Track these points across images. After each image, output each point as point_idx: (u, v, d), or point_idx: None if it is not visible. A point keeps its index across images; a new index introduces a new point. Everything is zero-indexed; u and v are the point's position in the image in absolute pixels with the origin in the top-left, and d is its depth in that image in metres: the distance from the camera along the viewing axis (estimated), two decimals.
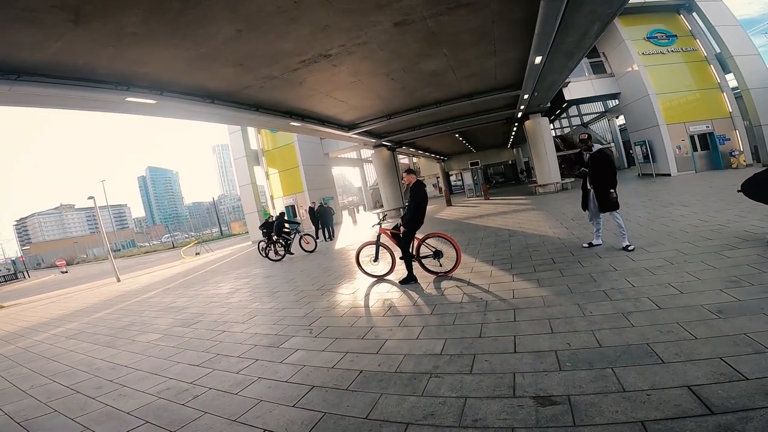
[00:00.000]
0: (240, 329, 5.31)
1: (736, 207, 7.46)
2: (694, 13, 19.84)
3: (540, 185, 20.59)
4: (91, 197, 18.95)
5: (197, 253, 23.98)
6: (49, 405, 3.63)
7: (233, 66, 8.89)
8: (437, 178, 44.97)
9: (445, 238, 6.32)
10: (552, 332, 3.47)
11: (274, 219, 13.77)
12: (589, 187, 6.20)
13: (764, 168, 5.24)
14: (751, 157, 18.73)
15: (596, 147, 6.09)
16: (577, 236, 7.58)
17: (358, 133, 18.17)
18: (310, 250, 13.38)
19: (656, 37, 19.94)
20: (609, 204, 5.94)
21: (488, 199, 23.27)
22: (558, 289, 4.65)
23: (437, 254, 6.30)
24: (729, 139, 18.69)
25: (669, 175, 18.93)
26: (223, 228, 62.96)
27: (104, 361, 4.83)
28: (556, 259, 6.13)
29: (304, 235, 13.69)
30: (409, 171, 6.39)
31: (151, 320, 6.90)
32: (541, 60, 10.94)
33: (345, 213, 32.35)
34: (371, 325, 4.53)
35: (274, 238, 12.85)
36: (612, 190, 5.91)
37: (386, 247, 6.81)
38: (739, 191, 5.38)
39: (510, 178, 44.74)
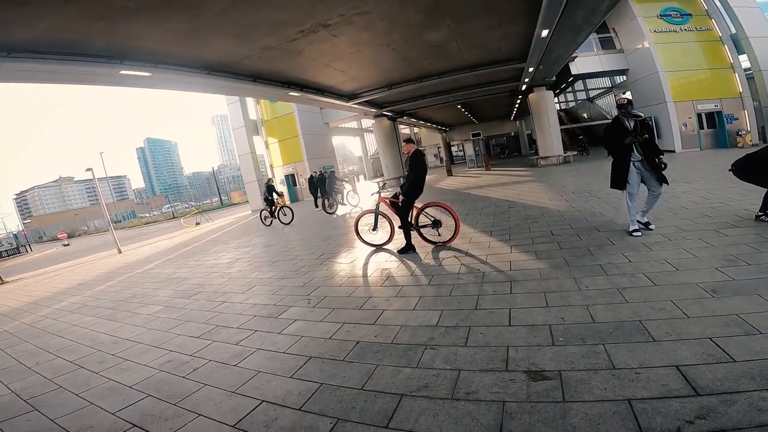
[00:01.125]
0: (239, 300, 5.36)
1: (737, 186, 7.36)
2: None
3: (542, 157, 20.42)
4: (89, 169, 18.84)
5: (197, 223, 24.06)
6: (55, 381, 3.66)
7: (230, 37, 8.63)
8: (438, 148, 44.56)
9: (444, 208, 6.31)
10: (547, 306, 3.48)
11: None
12: (637, 157, 5.14)
13: (760, 148, 5.14)
14: (758, 137, 18.61)
15: (641, 113, 5.23)
16: (577, 209, 7.55)
17: (359, 103, 17.87)
18: (287, 222, 14.04)
19: (670, 15, 19.49)
20: (662, 175, 5.13)
21: (489, 170, 23.13)
22: (555, 262, 4.66)
23: (436, 224, 6.29)
24: (737, 119, 18.58)
25: (673, 151, 18.88)
26: (223, 198, 63.01)
27: (107, 334, 4.87)
28: (555, 232, 6.13)
29: (282, 207, 14.50)
30: (408, 140, 6.31)
31: (152, 292, 6.93)
32: (548, 34, 10.59)
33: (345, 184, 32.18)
34: (369, 295, 4.57)
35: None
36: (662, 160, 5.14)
37: (385, 216, 6.80)
38: (730, 170, 5.38)
39: (512, 150, 44.36)
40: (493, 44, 12.52)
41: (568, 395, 2.25)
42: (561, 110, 34.88)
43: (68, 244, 35.01)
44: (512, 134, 44.64)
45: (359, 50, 11.20)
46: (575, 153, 20.46)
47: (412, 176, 6.10)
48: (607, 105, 33.67)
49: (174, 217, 42.23)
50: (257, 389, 2.90)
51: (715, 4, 19.25)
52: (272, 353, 3.48)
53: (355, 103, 17.80)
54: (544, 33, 10.48)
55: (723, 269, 3.64)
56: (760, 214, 5.01)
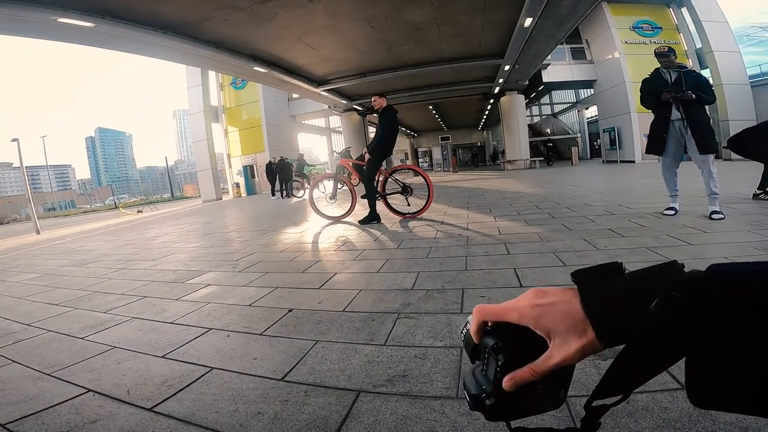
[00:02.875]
0: (144, 266, 3.97)
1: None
2: (684, 8, 19.53)
3: (509, 161, 20.01)
4: (15, 139, 16.43)
5: (139, 211, 21.72)
6: None
7: None
8: (405, 154, 43.85)
9: (416, 171, 5.22)
10: (564, 265, 2.48)
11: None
12: (677, 116, 3.92)
13: (761, 122, 4.48)
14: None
15: (686, 65, 4.13)
16: (557, 193, 6.72)
17: (329, 90, 16.62)
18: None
19: (642, 28, 19.66)
20: (712, 143, 3.85)
21: (457, 173, 22.53)
22: (553, 228, 3.72)
23: (405, 190, 5.18)
24: None
25: (633, 162, 18.86)
26: (175, 192, 59.27)
27: None
28: (541, 206, 5.23)
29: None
30: (381, 94, 5.18)
31: (41, 262, 5.40)
32: (532, 22, 9.99)
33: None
34: (317, 260, 3.35)
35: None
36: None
37: (347, 183, 5.61)
38: (725, 147, 4.74)
39: (478, 161, 44.53)
40: (475, 34, 11.75)
41: None
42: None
43: None
44: (479, 144, 44.86)
45: (336, 24, 10.05)
46: (541, 159, 20.07)
47: (381, 134, 4.98)
48: (570, 121, 34.41)
49: (116, 208, 38.80)
50: (93, 372, 1.64)
51: (685, 20, 19.63)
52: (151, 323, 2.19)
53: (325, 90, 16.46)
54: (528, 22, 9.90)
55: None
56: (758, 192, 4.49)
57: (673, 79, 3.96)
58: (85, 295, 3.03)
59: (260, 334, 1.88)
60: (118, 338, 2.02)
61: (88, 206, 57.00)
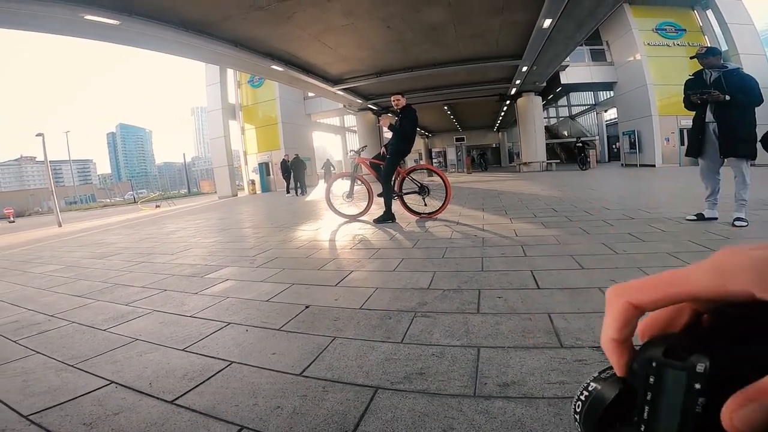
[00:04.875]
0: (163, 260, 4.04)
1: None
2: (709, 10, 19.12)
3: (524, 163, 19.78)
4: (39, 134, 16.88)
5: (157, 206, 22.12)
6: None
7: None
8: (419, 154, 43.69)
9: (434, 171, 5.20)
10: (582, 268, 2.45)
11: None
12: (710, 117, 3.78)
13: None
14: None
15: (731, 65, 3.82)
16: (574, 196, 6.62)
17: (344, 89, 16.63)
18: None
19: (665, 30, 19.18)
20: (749, 145, 3.58)
21: (471, 173, 22.39)
22: (571, 231, 3.66)
23: (423, 190, 5.17)
24: None
25: (653, 166, 18.39)
26: (192, 188, 60.09)
27: None
28: (558, 209, 5.15)
29: None
30: (401, 94, 5.16)
31: (64, 254, 5.52)
32: (550, 24, 9.82)
33: (321, 182, 30.74)
34: (334, 257, 3.37)
35: None
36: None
37: (364, 182, 5.62)
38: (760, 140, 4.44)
39: (492, 162, 44.11)
40: (492, 34, 11.60)
41: None
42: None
43: (14, 221, 31.97)
44: (494, 145, 44.42)
45: (353, 23, 10.07)
46: (557, 161, 19.67)
47: (401, 131, 4.98)
48: (588, 123, 33.84)
49: (135, 202, 39.56)
50: (116, 363, 1.68)
51: (710, 22, 19.08)
52: (172, 316, 2.23)
53: (341, 89, 16.48)
54: (547, 23, 9.72)
55: None
56: None
57: (712, 80, 3.77)
58: (106, 287, 3.09)
59: (278, 330, 1.90)
60: (139, 330, 2.06)
61: (108, 200, 58.24)
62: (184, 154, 65.01)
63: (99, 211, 32.64)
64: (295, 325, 1.94)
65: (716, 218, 3.77)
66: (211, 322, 2.10)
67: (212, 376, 1.52)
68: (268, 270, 3.08)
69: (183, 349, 1.78)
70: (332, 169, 21.04)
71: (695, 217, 3.84)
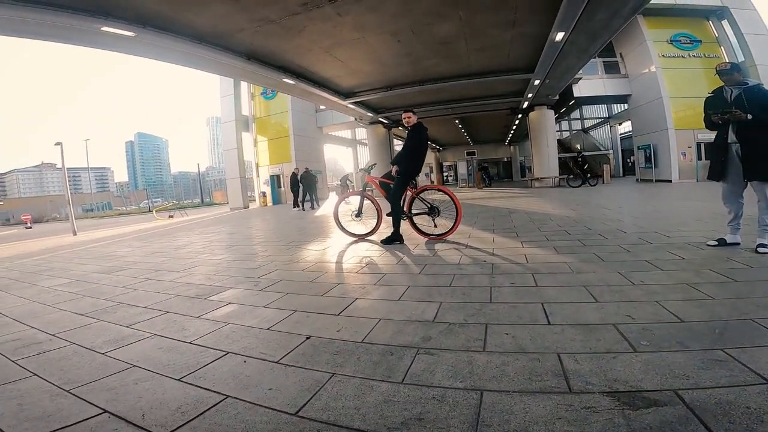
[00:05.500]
0: (169, 278, 4.06)
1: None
2: (725, 21, 18.95)
3: (536, 179, 19.58)
4: (58, 143, 17.32)
5: (171, 216, 22.43)
6: None
7: (227, 2, 7.60)
8: (430, 168, 43.67)
9: (445, 192, 5.12)
10: (596, 301, 2.35)
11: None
12: (733, 138, 3.57)
13: None
14: None
15: (751, 81, 3.62)
16: (588, 216, 6.49)
17: (355, 102, 16.78)
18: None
19: (680, 41, 19.04)
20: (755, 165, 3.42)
21: (482, 188, 22.23)
22: (584, 257, 3.55)
23: (433, 210, 5.09)
24: None
25: (669, 181, 18.05)
26: (205, 198, 60.87)
27: None
28: (571, 232, 5.03)
29: None
30: (411, 111, 5.15)
31: (74, 266, 5.60)
32: (563, 37, 9.80)
33: (332, 194, 30.83)
34: (339, 282, 3.33)
35: None
36: None
37: (373, 201, 5.59)
38: None
39: (503, 176, 43.81)
40: (503, 47, 11.63)
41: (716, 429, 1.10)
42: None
43: (31, 227, 32.67)
44: (505, 159, 44.21)
45: (363, 37, 10.19)
46: (570, 177, 19.27)
47: (411, 149, 4.96)
48: (602, 136, 33.45)
49: (149, 211, 40.19)
50: (111, 391, 1.67)
51: (726, 32, 18.92)
52: (172, 342, 2.21)
53: (351, 102, 16.63)
54: (559, 36, 9.69)
55: None
56: None
57: (732, 98, 3.57)
58: (110, 306, 3.10)
59: (277, 362, 1.86)
60: (137, 356, 2.04)
61: (124, 208, 59.27)
62: (198, 164, 66.33)
63: (114, 219, 33.33)
64: (295, 358, 1.89)
65: (739, 243, 3.61)
66: (209, 350, 2.07)
67: (206, 410, 1.49)
68: (272, 294, 3.05)
69: (179, 379, 1.75)
70: (348, 183, 21.19)
71: (716, 243, 3.69)
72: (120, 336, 2.37)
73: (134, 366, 1.92)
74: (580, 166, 18.48)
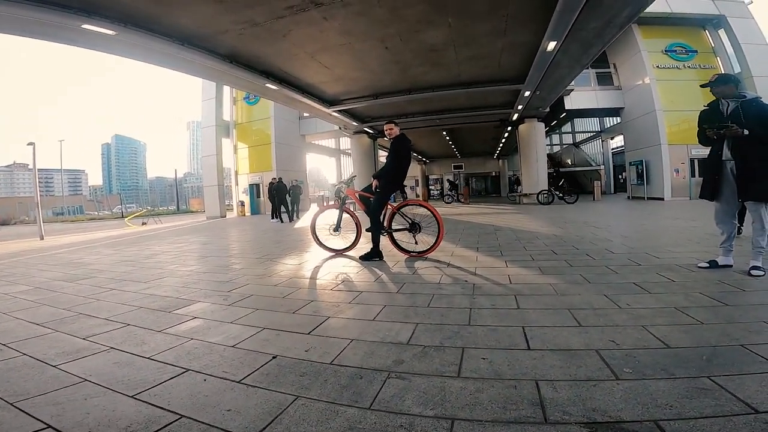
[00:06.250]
0: (135, 289, 3.96)
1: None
2: (721, 30, 18.99)
3: (525, 194, 19.68)
4: (30, 143, 16.93)
5: (144, 223, 22.00)
6: None
7: (212, 2, 7.60)
8: (416, 181, 43.85)
9: (426, 207, 5.10)
10: (580, 325, 2.34)
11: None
12: (728, 155, 3.48)
13: None
14: None
15: (749, 94, 3.49)
16: (576, 235, 6.55)
17: (340, 110, 16.72)
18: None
19: (675, 51, 19.19)
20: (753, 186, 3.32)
21: (468, 203, 22.30)
22: (570, 278, 3.55)
23: (414, 227, 5.06)
24: None
25: (662, 199, 18.01)
26: (181, 205, 60.07)
27: None
28: (558, 251, 5.05)
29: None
30: (394, 122, 5.14)
31: (36, 273, 5.47)
32: (555, 46, 9.89)
33: (314, 206, 30.63)
34: (312, 299, 3.26)
35: None
36: None
37: (352, 215, 5.55)
38: None
39: (491, 191, 44.15)
40: (494, 57, 11.70)
41: None
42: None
43: None
44: (493, 174, 44.58)
45: (350, 43, 10.21)
46: (559, 194, 19.44)
47: (393, 162, 4.94)
48: (594, 151, 33.94)
49: (122, 217, 39.43)
50: (58, 406, 1.64)
51: (723, 42, 18.87)
52: (129, 356, 2.16)
53: (336, 110, 16.58)
54: (551, 46, 9.77)
55: None
56: None
57: (729, 111, 3.47)
58: (69, 317, 3.03)
59: (238, 382, 1.81)
60: (91, 370, 2.00)
61: (96, 213, 58.16)
62: (176, 170, 65.29)
63: (85, 224, 32.60)
64: (258, 378, 1.84)
65: (731, 266, 3.59)
66: (168, 366, 2.01)
67: (157, 430, 1.45)
68: (240, 310, 2.98)
69: (132, 396, 1.71)
70: (341, 196, 20.79)
71: (708, 265, 3.67)
72: (75, 348, 2.32)
73: (86, 380, 1.88)
74: (555, 182, 18.28)
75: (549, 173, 18.63)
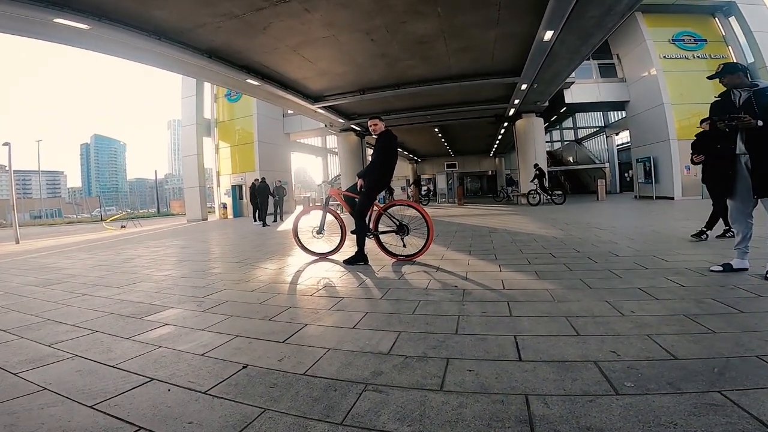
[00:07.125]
0: (106, 294, 3.95)
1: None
2: (732, 18, 18.35)
3: (522, 194, 19.50)
4: (6, 144, 16.73)
5: (123, 227, 21.79)
6: None
7: None
8: (407, 181, 43.63)
9: (415, 208, 5.04)
10: (578, 334, 2.28)
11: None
12: (742, 149, 3.38)
13: None
14: None
15: (762, 83, 3.39)
16: (578, 237, 6.51)
17: (325, 107, 16.62)
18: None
19: (683, 41, 18.61)
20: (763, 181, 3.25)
21: (462, 205, 22.17)
22: (569, 283, 3.49)
23: (402, 229, 5.00)
24: None
25: (672, 198, 17.48)
26: (162, 207, 59.71)
27: None
28: (557, 254, 5.01)
29: None
30: (379, 118, 5.08)
31: (8, 278, 5.49)
32: (552, 36, 9.74)
33: (299, 207, 30.46)
34: (290, 305, 3.21)
35: None
36: None
37: (336, 216, 5.50)
38: None
39: (487, 191, 44.01)
40: (487, 48, 11.56)
41: None
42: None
43: None
44: (490, 173, 44.38)
45: (334, 35, 10.14)
46: (559, 194, 18.56)
47: (378, 160, 4.88)
48: (598, 148, 33.64)
49: (101, 220, 39.11)
50: (12, 416, 1.65)
51: (734, 30, 18.25)
52: (93, 364, 2.16)
53: (321, 107, 16.39)
54: (548, 35, 9.61)
55: None
56: None
57: (741, 101, 3.34)
58: (36, 323, 3.02)
59: (204, 393, 1.77)
60: (52, 378, 2.00)
61: (75, 216, 57.61)
62: (156, 171, 64.81)
63: (63, 227, 32.30)
64: (225, 389, 1.79)
65: (746, 269, 3.47)
66: (132, 375, 1.99)
67: None
68: (214, 316, 2.93)
69: (91, 406, 1.69)
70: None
71: (721, 268, 3.54)
72: (39, 356, 2.32)
73: (45, 389, 1.88)
74: (538, 180, 17.70)
75: (535, 174, 17.91)
